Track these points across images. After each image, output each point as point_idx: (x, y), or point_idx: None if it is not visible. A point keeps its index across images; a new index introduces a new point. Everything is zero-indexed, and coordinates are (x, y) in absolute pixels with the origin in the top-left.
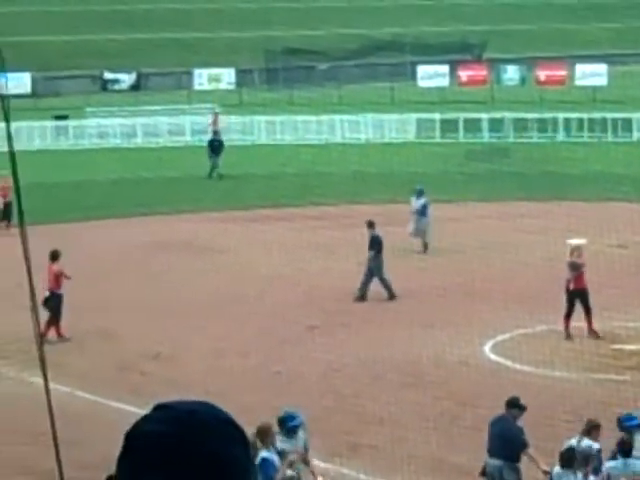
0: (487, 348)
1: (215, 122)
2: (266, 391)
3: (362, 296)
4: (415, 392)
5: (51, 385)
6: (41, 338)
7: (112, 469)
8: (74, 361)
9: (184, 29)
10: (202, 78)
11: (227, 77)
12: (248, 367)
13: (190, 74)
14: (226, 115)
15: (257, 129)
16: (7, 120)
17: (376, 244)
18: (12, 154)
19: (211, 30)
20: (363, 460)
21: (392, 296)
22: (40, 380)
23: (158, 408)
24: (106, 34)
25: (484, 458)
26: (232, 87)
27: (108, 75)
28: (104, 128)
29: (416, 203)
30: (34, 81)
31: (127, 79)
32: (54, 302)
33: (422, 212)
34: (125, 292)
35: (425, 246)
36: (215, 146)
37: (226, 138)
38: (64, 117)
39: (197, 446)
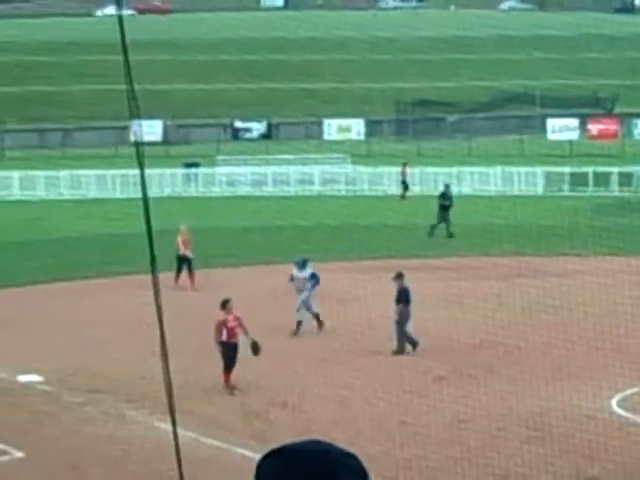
0: (614, 402)
1: (404, 172)
2: (391, 441)
3: (401, 350)
4: (541, 445)
5: (178, 430)
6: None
7: None
8: (201, 407)
9: (315, 79)
10: (332, 128)
11: (357, 127)
12: (374, 416)
13: (320, 124)
14: (357, 165)
15: (386, 180)
16: (141, 167)
17: (404, 296)
18: (145, 201)
19: (342, 80)
20: None
21: (414, 345)
22: (166, 425)
23: (273, 453)
24: (238, 83)
25: None
26: (361, 137)
27: (239, 124)
28: (235, 176)
29: (302, 274)
30: (166, 129)
31: (258, 128)
32: (226, 351)
33: (316, 281)
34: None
35: (317, 317)
36: (447, 204)
37: (356, 188)
38: (195, 165)
39: None
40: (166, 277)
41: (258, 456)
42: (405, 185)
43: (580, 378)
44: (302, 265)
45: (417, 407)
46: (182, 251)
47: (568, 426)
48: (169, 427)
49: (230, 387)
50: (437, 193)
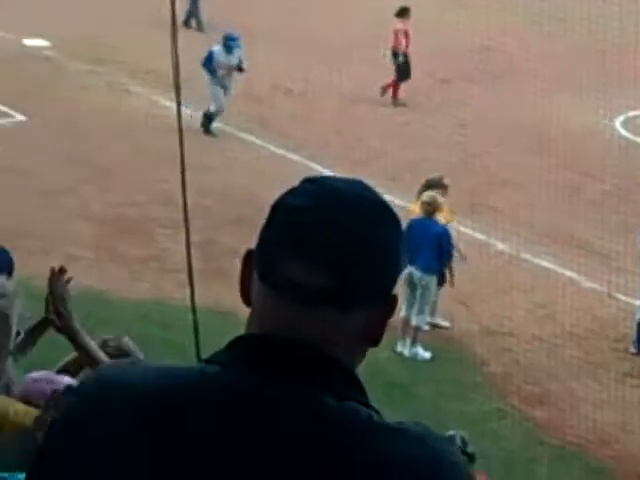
0: (617, 123)
1: None
2: (395, 139)
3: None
4: (539, 158)
5: (182, 109)
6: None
7: (236, 197)
8: (203, 87)
9: None
10: None
11: None
12: (380, 115)
13: None
14: None
15: None
16: None
17: None
18: None
19: None
20: (481, 221)
21: None
22: (168, 102)
23: (306, 181)
24: None
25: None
26: None
27: None
28: None
29: (229, 58)
30: None
31: None
32: (405, 62)
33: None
34: (264, 22)
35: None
36: None
37: None
38: None
39: (339, 224)
40: None
41: (259, 141)
42: None
43: (585, 94)
44: (231, 44)
45: (421, 108)
46: None
47: (568, 141)
48: (171, 104)
49: (399, 102)
50: None
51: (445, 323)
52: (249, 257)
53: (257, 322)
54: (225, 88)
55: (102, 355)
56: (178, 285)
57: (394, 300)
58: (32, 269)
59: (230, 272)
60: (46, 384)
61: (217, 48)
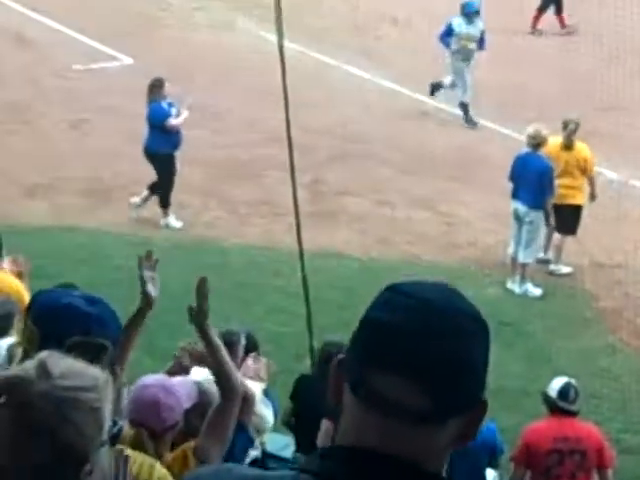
0: None
1: None
2: (502, 67)
3: None
4: None
5: (285, 43)
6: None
7: (343, 133)
8: (310, 20)
9: None
10: None
11: None
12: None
13: None
14: None
15: None
16: None
17: None
18: None
19: None
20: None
21: None
22: (273, 36)
23: (391, 291)
24: None
25: None
26: None
27: None
28: None
29: (471, 28)
30: None
31: None
32: None
33: (482, 44)
34: None
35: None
36: None
37: None
38: None
39: (431, 341)
40: None
41: (362, 73)
42: None
43: None
44: (473, 13)
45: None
46: None
47: None
48: (277, 39)
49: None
50: None
51: (567, 269)
52: (340, 365)
53: (349, 432)
54: (467, 62)
55: (227, 356)
56: (289, 229)
57: (484, 405)
58: (141, 215)
59: (338, 213)
60: (159, 390)
61: (457, 20)
